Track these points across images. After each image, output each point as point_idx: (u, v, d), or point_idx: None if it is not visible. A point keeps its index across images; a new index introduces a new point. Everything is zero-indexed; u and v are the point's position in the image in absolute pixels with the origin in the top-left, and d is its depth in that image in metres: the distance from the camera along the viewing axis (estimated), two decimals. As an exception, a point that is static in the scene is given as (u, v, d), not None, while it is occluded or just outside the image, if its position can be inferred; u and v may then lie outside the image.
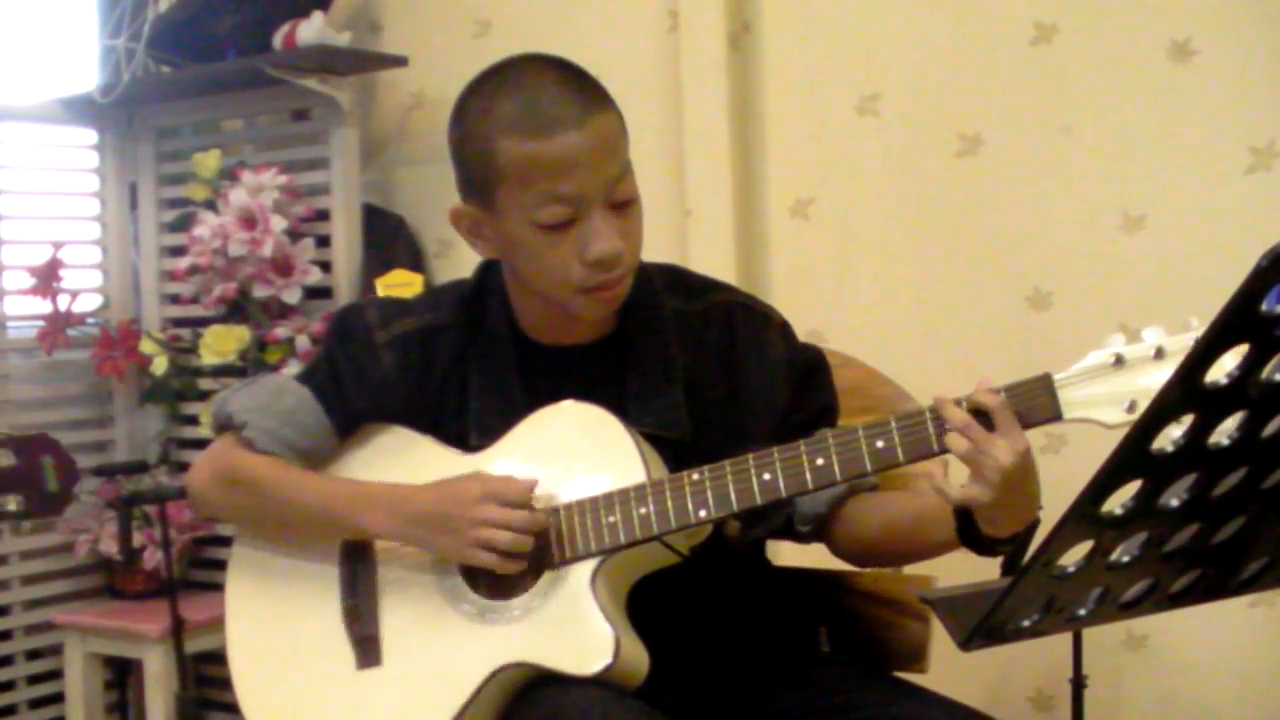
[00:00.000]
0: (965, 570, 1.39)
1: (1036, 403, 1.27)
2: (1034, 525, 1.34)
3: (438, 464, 1.48)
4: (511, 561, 1.38)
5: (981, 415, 1.27)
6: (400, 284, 2.65)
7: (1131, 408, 1.24)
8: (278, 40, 2.76)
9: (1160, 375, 1.22)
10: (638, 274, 1.47)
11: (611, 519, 1.37)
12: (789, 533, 1.57)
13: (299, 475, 1.51)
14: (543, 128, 1.35)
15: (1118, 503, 1.07)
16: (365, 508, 1.46)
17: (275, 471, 1.51)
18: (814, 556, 1.60)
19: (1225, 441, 1.04)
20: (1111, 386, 1.25)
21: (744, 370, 1.51)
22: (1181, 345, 1.23)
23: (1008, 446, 1.25)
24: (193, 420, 2.97)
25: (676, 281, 1.56)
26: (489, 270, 1.55)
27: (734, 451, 1.38)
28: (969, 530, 1.33)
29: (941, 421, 1.29)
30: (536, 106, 1.36)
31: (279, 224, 2.71)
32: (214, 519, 1.66)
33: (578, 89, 1.38)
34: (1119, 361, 1.25)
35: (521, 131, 1.36)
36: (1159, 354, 1.24)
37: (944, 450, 1.30)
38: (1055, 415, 1.27)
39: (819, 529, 1.54)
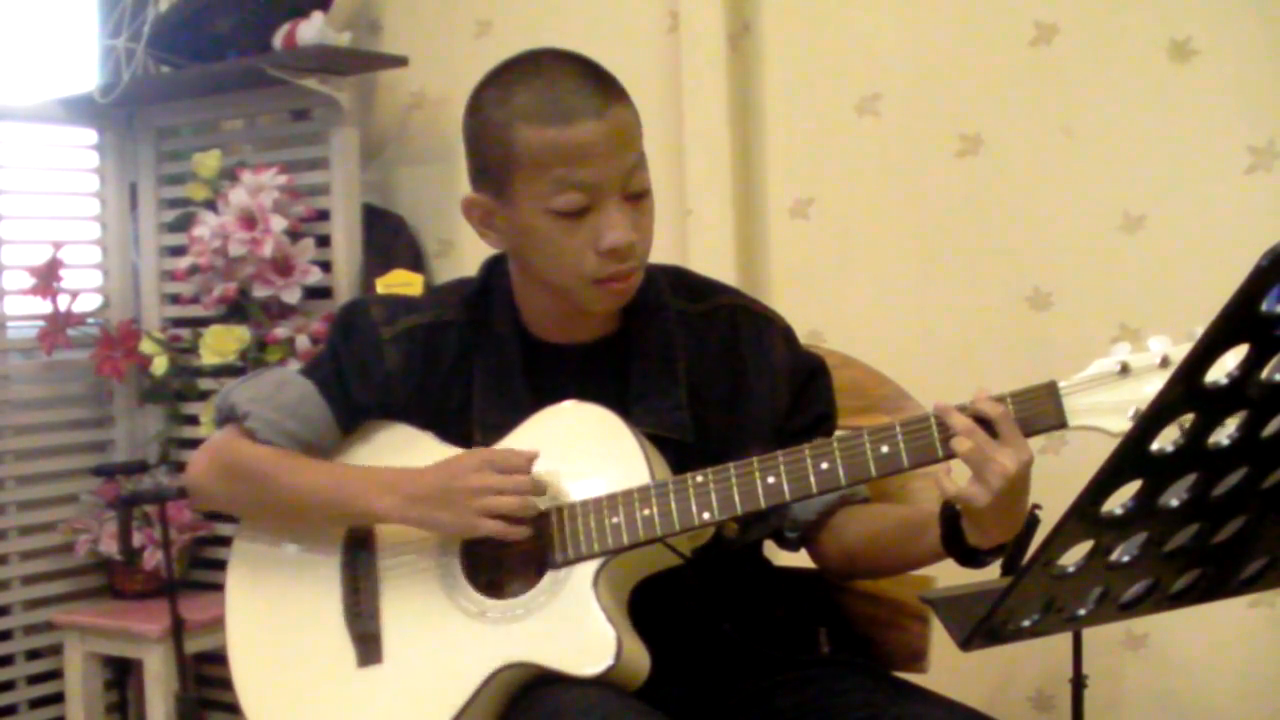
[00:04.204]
0: (965, 571, 1.39)
1: (1042, 409, 1.28)
2: (1030, 529, 1.34)
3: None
4: (515, 527, 1.38)
5: (984, 424, 1.28)
6: (400, 284, 2.65)
7: (1136, 416, 1.24)
8: (278, 40, 2.76)
9: (1165, 384, 1.22)
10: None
11: (615, 520, 1.37)
12: (777, 538, 1.57)
13: (301, 461, 1.51)
14: (562, 116, 1.36)
15: (1118, 503, 1.07)
16: (367, 490, 1.45)
17: (277, 458, 1.51)
18: (814, 557, 1.60)
19: (1225, 442, 1.05)
20: (1116, 395, 1.25)
21: (745, 373, 1.51)
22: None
23: (1013, 453, 1.26)
24: (193, 420, 2.97)
25: (681, 282, 1.56)
26: (494, 268, 1.55)
27: (734, 454, 1.38)
28: (954, 541, 1.34)
29: (947, 426, 1.29)
30: (556, 95, 1.37)
31: (279, 224, 2.71)
32: (213, 511, 1.65)
33: (596, 81, 1.39)
34: (1124, 370, 1.26)
35: (541, 119, 1.36)
36: (1164, 363, 1.25)
37: (949, 455, 1.30)
38: (1060, 422, 1.28)
39: (806, 536, 1.55)
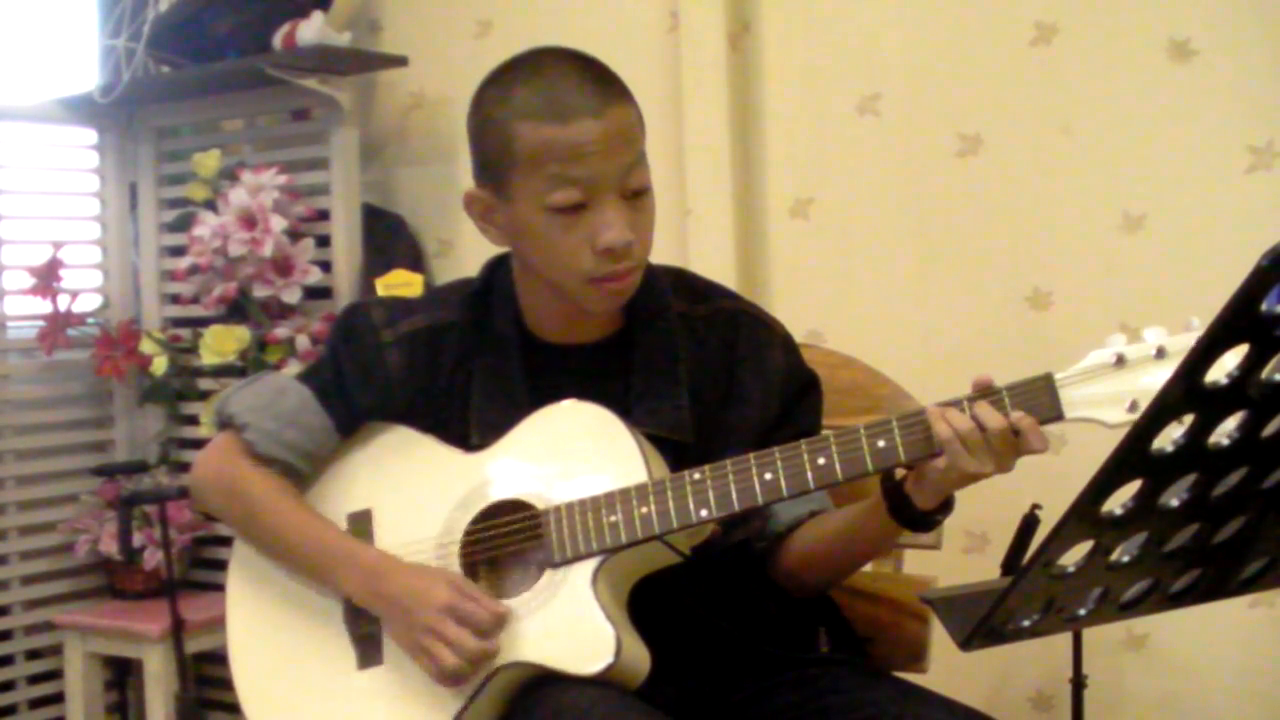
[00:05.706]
0: (965, 570, 1.39)
1: (1038, 402, 1.28)
2: (1030, 529, 1.35)
3: (439, 464, 1.49)
4: (446, 680, 1.36)
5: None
6: (400, 284, 2.65)
7: (1133, 407, 1.24)
8: (278, 40, 2.75)
9: (1161, 375, 1.22)
10: (645, 274, 1.47)
11: (612, 518, 1.37)
12: (745, 549, 1.54)
13: (292, 510, 1.51)
14: (561, 114, 1.36)
15: (1118, 503, 1.07)
16: (342, 568, 1.46)
17: (271, 497, 1.51)
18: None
19: (1225, 441, 1.05)
20: (1113, 386, 1.26)
21: (740, 376, 1.51)
22: (1183, 345, 1.23)
23: (983, 463, 1.29)
24: (193, 420, 2.97)
25: (683, 284, 1.56)
26: (496, 268, 1.55)
27: (724, 456, 1.38)
28: (901, 509, 1.37)
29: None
30: (556, 94, 1.37)
31: (279, 224, 2.71)
32: (210, 516, 1.65)
33: (597, 80, 1.40)
34: (1120, 361, 1.26)
35: (539, 116, 1.37)
36: (1160, 354, 1.25)
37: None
38: (1057, 415, 1.28)
39: (772, 548, 1.54)
